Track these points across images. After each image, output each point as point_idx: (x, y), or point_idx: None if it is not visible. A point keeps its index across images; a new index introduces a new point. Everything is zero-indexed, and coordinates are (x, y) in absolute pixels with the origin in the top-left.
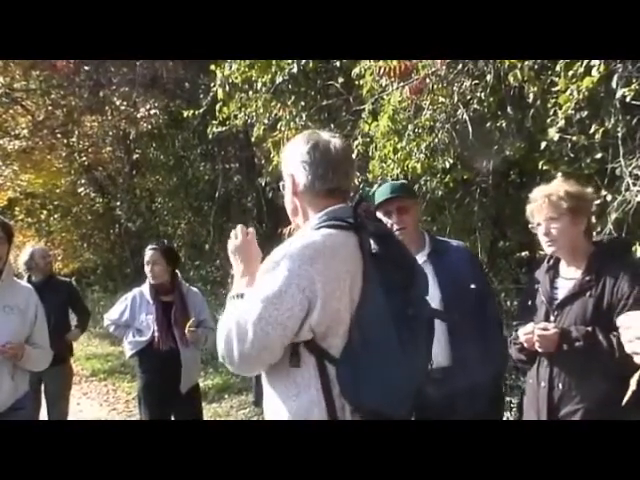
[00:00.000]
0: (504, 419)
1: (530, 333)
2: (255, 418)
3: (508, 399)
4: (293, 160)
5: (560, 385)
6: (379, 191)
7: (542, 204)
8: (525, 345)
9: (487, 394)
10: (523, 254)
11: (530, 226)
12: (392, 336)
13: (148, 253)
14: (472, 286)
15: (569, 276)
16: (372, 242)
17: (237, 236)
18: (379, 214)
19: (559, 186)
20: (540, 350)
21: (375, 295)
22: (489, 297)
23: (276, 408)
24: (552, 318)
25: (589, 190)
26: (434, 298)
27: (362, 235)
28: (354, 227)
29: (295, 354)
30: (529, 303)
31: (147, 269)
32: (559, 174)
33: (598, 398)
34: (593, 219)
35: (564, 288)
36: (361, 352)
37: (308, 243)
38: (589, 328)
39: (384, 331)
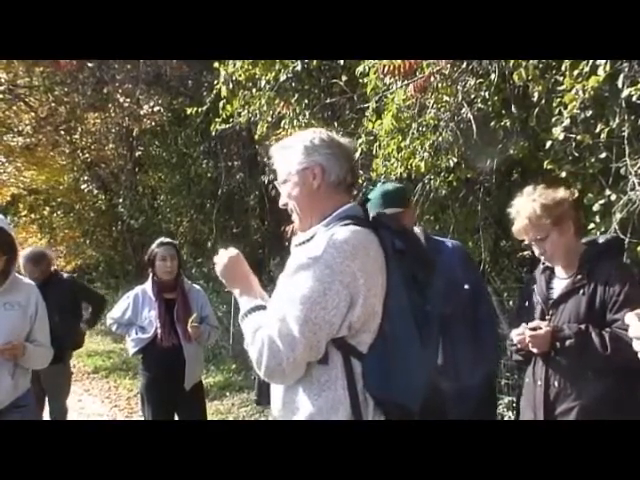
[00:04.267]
0: (507, 419)
1: (523, 334)
2: (256, 416)
3: (510, 399)
4: (317, 153)
5: (556, 383)
6: (372, 202)
7: (526, 227)
8: (519, 346)
9: (478, 395)
10: (525, 253)
11: (522, 242)
12: (414, 331)
13: (165, 248)
14: (466, 286)
15: (563, 276)
16: (396, 240)
17: (221, 259)
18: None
19: (533, 203)
20: (533, 350)
21: (399, 292)
22: (483, 298)
23: (294, 406)
24: (547, 317)
25: (563, 192)
26: None
27: (381, 232)
28: (372, 225)
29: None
30: (526, 303)
31: (161, 264)
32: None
33: (593, 395)
34: (596, 220)
35: (558, 288)
36: (388, 347)
37: (346, 238)
38: (581, 326)
39: (407, 327)
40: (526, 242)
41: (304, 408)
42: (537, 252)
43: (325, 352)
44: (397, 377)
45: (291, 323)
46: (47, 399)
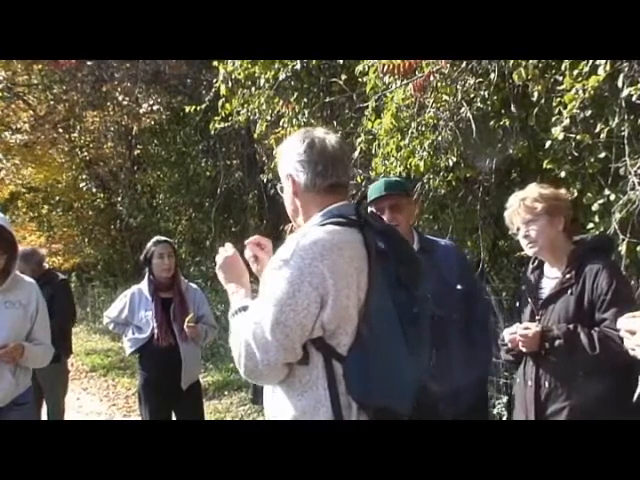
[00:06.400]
0: (505, 419)
1: (514, 334)
2: (254, 415)
3: (507, 398)
4: (290, 161)
5: (546, 384)
6: (373, 187)
7: (518, 208)
8: (510, 345)
9: (470, 396)
10: (524, 253)
11: (511, 232)
12: (398, 333)
13: (162, 245)
14: (459, 286)
15: (552, 275)
16: (378, 240)
17: (221, 256)
18: (371, 210)
19: (533, 190)
20: (524, 350)
21: (382, 293)
22: (477, 298)
23: (280, 407)
24: (537, 317)
25: (563, 191)
26: None
27: (367, 232)
28: (358, 224)
29: (303, 352)
30: (517, 304)
31: (159, 262)
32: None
33: (584, 395)
34: (595, 220)
35: (548, 287)
36: (369, 349)
37: (316, 239)
38: (570, 326)
39: (391, 328)
40: (514, 230)
41: (288, 408)
42: (521, 236)
43: (306, 353)
44: (379, 380)
45: (264, 326)
46: (45, 398)
